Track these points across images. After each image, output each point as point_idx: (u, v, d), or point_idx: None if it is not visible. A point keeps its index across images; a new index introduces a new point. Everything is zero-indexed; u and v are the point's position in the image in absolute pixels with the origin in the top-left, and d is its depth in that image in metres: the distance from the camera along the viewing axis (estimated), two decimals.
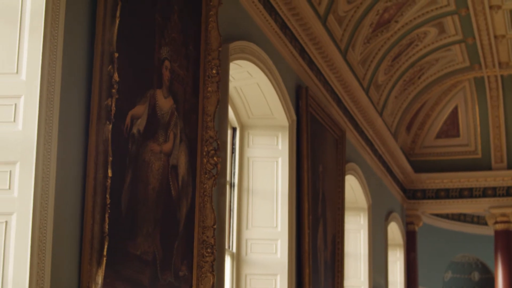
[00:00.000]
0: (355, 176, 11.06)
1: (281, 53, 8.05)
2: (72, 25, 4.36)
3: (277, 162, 7.96)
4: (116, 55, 4.55)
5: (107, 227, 4.39)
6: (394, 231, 14.16)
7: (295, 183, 8.11)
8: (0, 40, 4.11)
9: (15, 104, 4.05)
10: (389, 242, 13.80)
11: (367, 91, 11.61)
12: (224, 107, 6.33)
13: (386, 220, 13.27)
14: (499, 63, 13.30)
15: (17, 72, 4.08)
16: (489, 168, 14.60)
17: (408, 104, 13.85)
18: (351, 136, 10.94)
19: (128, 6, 4.78)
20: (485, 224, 16.02)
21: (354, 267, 11.45)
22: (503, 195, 14.46)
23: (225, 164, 6.33)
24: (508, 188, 14.45)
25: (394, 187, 14.12)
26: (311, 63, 9.03)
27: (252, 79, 7.49)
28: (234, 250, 7.71)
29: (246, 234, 7.77)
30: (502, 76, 13.82)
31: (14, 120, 4.03)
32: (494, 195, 14.49)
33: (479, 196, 14.59)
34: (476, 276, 18.17)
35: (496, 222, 14.44)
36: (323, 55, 9.26)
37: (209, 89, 5.92)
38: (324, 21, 9.35)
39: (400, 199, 14.67)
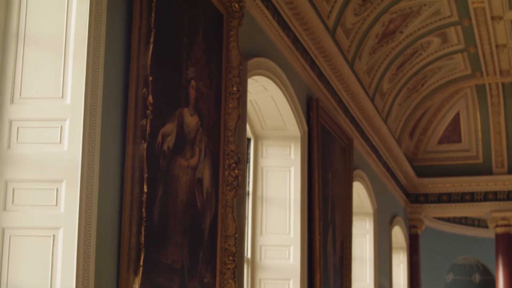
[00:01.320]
0: (361, 182, 11.40)
1: (293, 66, 8.39)
2: (111, 52, 4.70)
3: (289, 171, 8.29)
4: (150, 78, 4.89)
5: (143, 239, 4.73)
6: (398, 234, 14.51)
7: (307, 191, 8.45)
8: (46, 67, 4.44)
9: (61, 127, 4.38)
10: (393, 245, 14.14)
11: (372, 100, 11.96)
12: (242, 122, 6.67)
13: (391, 224, 13.62)
14: (500, 71, 13.66)
15: (62, 96, 4.41)
16: (490, 173, 14.96)
17: (412, 110, 14.20)
18: (358, 144, 11.28)
19: (159, 32, 5.11)
20: (486, 227, 16.37)
21: (360, 270, 11.79)
22: (503, 199, 14.82)
23: (245, 176, 6.67)
24: (509, 192, 14.81)
25: (398, 192, 14.47)
26: (320, 75, 9.37)
27: (266, 92, 7.84)
28: (249, 255, 8.05)
29: (261, 240, 8.11)
30: (503, 84, 14.19)
31: (60, 141, 4.36)
32: (495, 199, 14.85)
33: (480, 200, 14.96)
34: (477, 278, 18.52)
35: (497, 226, 14.80)
36: (332, 66, 9.61)
37: (230, 105, 6.26)
38: (332, 34, 9.69)
39: (403, 203, 15.03)
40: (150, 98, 4.87)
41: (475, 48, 12.68)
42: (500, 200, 14.81)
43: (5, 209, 4.30)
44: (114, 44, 4.76)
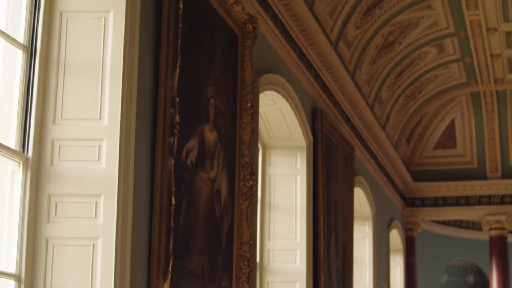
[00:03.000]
0: (361, 187, 11.85)
1: (299, 79, 8.83)
2: (142, 77, 5.14)
3: (296, 179, 8.74)
4: (177, 100, 5.33)
5: (171, 247, 5.16)
6: (395, 237, 14.97)
7: (312, 198, 8.90)
8: (85, 91, 4.88)
9: (99, 145, 4.81)
10: (391, 247, 14.60)
11: (372, 108, 12.41)
12: (255, 136, 7.10)
13: (388, 227, 14.08)
14: (495, 79, 14.14)
15: (100, 118, 4.85)
16: (484, 177, 15.45)
17: (409, 117, 14.67)
18: (358, 151, 11.73)
19: (184, 55, 5.55)
20: (480, 229, 16.85)
21: (360, 273, 12.24)
22: (497, 203, 15.30)
23: (257, 186, 7.11)
24: (503, 196, 15.29)
25: (395, 196, 14.94)
26: (324, 86, 9.82)
27: (275, 105, 8.28)
28: (258, 259, 8.48)
29: (269, 245, 8.55)
30: (497, 91, 14.68)
31: (98, 159, 4.80)
32: (489, 203, 15.33)
33: (475, 204, 15.43)
34: (471, 279, 19.01)
35: (491, 229, 15.28)
36: (335, 78, 10.06)
37: (245, 120, 6.70)
38: (335, 46, 10.14)
39: (400, 207, 15.50)
40: (177, 118, 5.30)
41: (470, 58, 13.15)
42: (494, 204, 15.28)
43: (48, 221, 4.73)
44: (145, 69, 5.19)
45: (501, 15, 11.80)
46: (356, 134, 11.57)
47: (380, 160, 13.39)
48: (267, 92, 7.84)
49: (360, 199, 12.15)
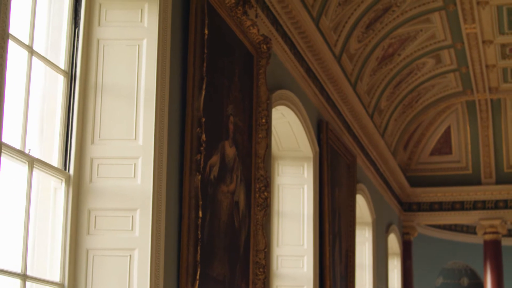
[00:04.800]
0: (361, 194, 12.29)
1: (306, 93, 9.26)
2: (172, 99, 5.55)
3: (303, 188, 9.16)
4: (203, 119, 5.74)
5: (199, 256, 5.58)
6: (393, 241, 15.42)
7: (318, 206, 9.32)
8: (121, 113, 5.29)
9: (134, 164, 5.22)
10: (388, 251, 15.04)
11: (371, 117, 12.85)
12: (269, 149, 7.52)
13: (387, 232, 14.53)
14: (489, 88, 14.60)
15: (135, 138, 5.26)
16: (479, 183, 15.93)
17: (406, 125, 15.13)
18: (359, 159, 12.16)
19: (208, 78, 5.97)
20: (474, 233, 17.30)
21: (360, 276, 12.66)
22: (491, 208, 15.77)
23: (272, 197, 7.53)
24: (497, 201, 15.76)
25: (393, 201, 15.38)
26: (328, 99, 10.25)
27: (284, 118, 8.70)
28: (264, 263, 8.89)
29: (277, 251, 8.98)
30: (491, 100, 15.16)
31: (134, 176, 5.21)
32: (484, 208, 15.79)
33: (470, 209, 15.90)
34: (465, 281, 19.47)
35: (485, 233, 15.74)
36: (338, 90, 10.49)
37: (260, 135, 7.13)
38: (338, 60, 10.57)
39: (398, 212, 15.95)
40: (204, 137, 5.72)
41: (466, 68, 13.61)
42: (488, 208, 15.75)
43: (89, 233, 5.15)
44: (174, 92, 5.61)
45: (496, 28, 12.25)
46: (357, 143, 12.01)
47: (379, 167, 13.84)
48: (278, 107, 8.26)
49: (361, 205, 12.57)
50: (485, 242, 15.76)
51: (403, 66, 12.90)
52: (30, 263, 4.90)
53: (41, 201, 5.10)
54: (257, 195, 7.02)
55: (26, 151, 4.79)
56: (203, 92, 5.79)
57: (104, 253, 5.12)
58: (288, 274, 8.98)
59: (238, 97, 6.74)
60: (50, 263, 5.07)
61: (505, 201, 15.70)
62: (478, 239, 16.67)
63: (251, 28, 6.93)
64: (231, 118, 6.56)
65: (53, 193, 5.14)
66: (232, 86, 6.63)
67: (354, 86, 11.57)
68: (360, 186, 12.05)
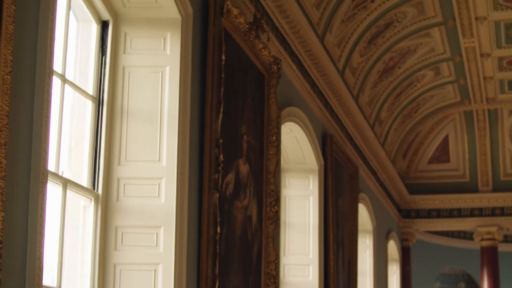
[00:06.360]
0: (363, 203, 12.65)
1: (311, 108, 9.62)
2: (193, 122, 5.91)
3: (309, 200, 9.53)
4: (221, 141, 6.10)
5: (217, 270, 5.94)
6: (392, 247, 15.79)
7: (323, 216, 9.69)
8: (146, 136, 5.64)
9: (158, 184, 5.58)
10: (388, 257, 15.41)
11: (372, 127, 13.22)
12: (279, 165, 7.87)
13: (387, 239, 14.90)
14: (487, 99, 15.01)
15: (159, 159, 5.61)
16: (476, 191, 16.33)
17: (405, 134, 15.52)
18: (360, 169, 12.52)
19: (225, 101, 6.32)
20: (471, 238, 17.70)
21: (362, 282, 13.02)
22: (488, 215, 16.16)
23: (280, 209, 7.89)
24: (493, 208, 16.15)
25: (392, 208, 15.76)
26: (332, 112, 10.61)
27: (291, 133, 9.06)
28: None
29: (284, 260, 9.34)
30: (489, 110, 15.57)
31: (158, 195, 5.56)
32: (481, 215, 16.19)
33: (467, 216, 16.29)
34: (462, 286, 19.85)
35: (482, 239, 16.13)
36: (342, 103, 10.86)
37: (271, 152, 7.49)
38: (342, 74, 10.94)
39: (397, 219, 16.33)
40: (221, 157, 6.08)
41: (464, 80, 14.01)
42: (485, 216, 16.14)
43: (116, 249, 5.50)
44: (194, 115, 5.96)
45: (494, 42, 12.63)
46: (359, 154, 12.38)
47: (379, 176, 14.21)
48: (286, 123, 8.62)
49: (362, 214, 12.93)
50: (482, 248, 16.14)
51: (403, 78, 13.29)
52: (62, 277, 5.24)
53: (72, 219, 5.44)
54: (268, 209, 7.38)
55: (60, 173, 5.13)
56: (221, 115, 6.14)
57: (131, 267, 5.47)
58: (295, 283, 9.34)
59: (250, 117, 7.10)
60: (81, 277, 5.42)
61: (502, 208, 16.09)
62: (475, 245, 17.06)
63: (263, 50, 7.28)
64: (245, 137, 6.91)
65: (82, 212, 5.49)
66: (245, 107, 6.98)
67: (356, 99, 11.93)
68: (362, 195, 12.42)
